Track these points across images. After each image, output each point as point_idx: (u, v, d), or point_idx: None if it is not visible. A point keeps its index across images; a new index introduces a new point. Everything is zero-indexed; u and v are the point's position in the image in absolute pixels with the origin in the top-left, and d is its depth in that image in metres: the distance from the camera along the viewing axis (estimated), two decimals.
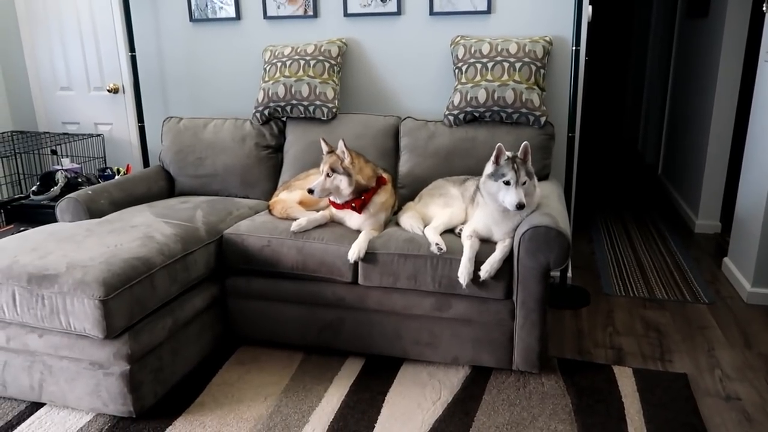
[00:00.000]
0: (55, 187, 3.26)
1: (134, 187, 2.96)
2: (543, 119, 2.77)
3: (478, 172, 2.70)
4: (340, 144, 2.42)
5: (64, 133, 3.78)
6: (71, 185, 3.18)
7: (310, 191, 2.42)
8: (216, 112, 3.40)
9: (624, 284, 3.22)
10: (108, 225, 2.46)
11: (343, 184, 2.42)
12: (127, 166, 3.40)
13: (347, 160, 2.42)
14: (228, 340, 2.63)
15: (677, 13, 5.15)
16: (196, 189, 3.13)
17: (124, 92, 3.70)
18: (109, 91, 3.69)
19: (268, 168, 3.09)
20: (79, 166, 3.54)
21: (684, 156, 4.59)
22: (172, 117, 3.25)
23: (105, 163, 3.76)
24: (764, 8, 2.83)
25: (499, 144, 2.24)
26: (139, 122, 3.50)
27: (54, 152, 3.62)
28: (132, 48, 3.38)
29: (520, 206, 2.18)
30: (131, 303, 2.02)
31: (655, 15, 6.19)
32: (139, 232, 2.35)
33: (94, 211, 2.69)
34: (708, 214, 4.04)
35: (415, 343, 2.41)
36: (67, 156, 3.68)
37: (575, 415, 2.09)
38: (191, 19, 3.38)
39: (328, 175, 2.42)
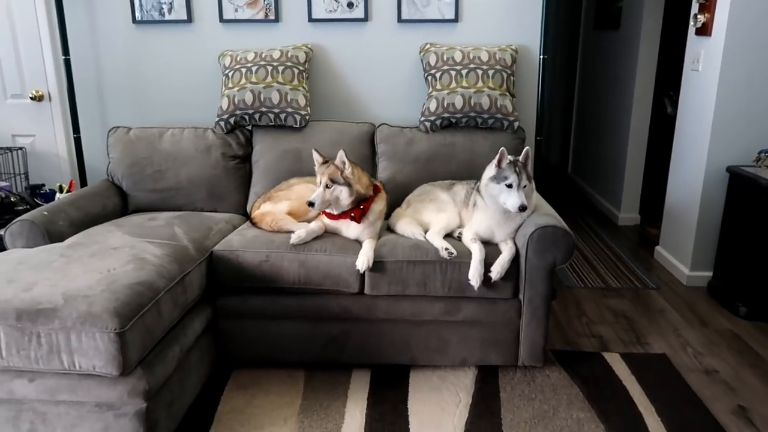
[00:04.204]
0: None
1: (90, 205, 2.67)
2: (516, 124, 2.90)
3: (459, 177, 2.79)
4: (341, 154, 2.36)
5: None
6: (5, 206, 2.78)
7: (311, 204, 2.33)
8: (163, 121, 3.15)
9: (579, 276, 3.46)
10: (83, 248, 2.19)
11: (343, 194, 2.36)
12: (71, 182, 3.04)
13: (348, 171, 2.37)
14: (221, 364, 2.46)
15: (581, 25, 5.62)
16: (156, 204, 2.89)
17: (50, 100, 3.31)
18: (32, 98, 3.28)
19: (237, 179, 2.93)
20: (8, 183, 3.11)
21: (599, 157, 5.01)
22: (118, 127, 2.96)
23: (27, 179, 3.33)
24: (692, 23, 3.19)
25: (502, 148, 2.32)
26: (74, 133, 3.16)
27: None
28: (66, 51, 3.05)
29: (522, 208, 2.27)
30: (143, 333, 1.83)
31: (552, 26, 6.68)
32: (126, 254, 2.13)
33: (53, 233, 2.39)
34: (629, 208, 4.46)
35: (425, 349, 2.42)
36: None
37: (589, 402, 2.22)
38: (134, 20, 3.11)
39: (327, 186, 2.35)
